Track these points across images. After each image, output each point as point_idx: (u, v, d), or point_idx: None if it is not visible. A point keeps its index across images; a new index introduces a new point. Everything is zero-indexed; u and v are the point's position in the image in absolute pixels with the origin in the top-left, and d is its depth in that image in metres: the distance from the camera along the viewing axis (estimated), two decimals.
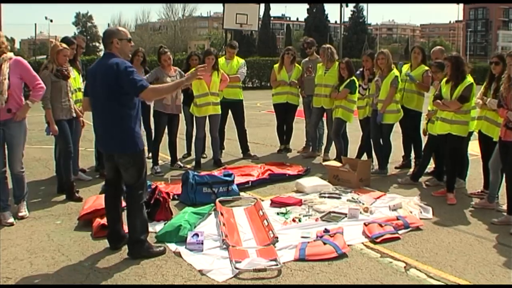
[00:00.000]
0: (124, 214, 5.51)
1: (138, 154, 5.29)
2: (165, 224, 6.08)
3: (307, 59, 10.97)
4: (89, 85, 5.51)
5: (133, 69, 5.13)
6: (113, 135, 5.20)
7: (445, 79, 7.61)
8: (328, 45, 10.40)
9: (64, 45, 7.44)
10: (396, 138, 9.42)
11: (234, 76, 10.23)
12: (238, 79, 10.40)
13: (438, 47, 9.69)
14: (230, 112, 10.48)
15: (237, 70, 10.34)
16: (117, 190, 5.50)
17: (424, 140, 8.52)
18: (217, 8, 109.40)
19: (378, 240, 5.78)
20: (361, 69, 9.54)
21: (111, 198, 5.49)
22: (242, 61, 10.62)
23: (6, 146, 6.50)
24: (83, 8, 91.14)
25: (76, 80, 8.05)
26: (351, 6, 72.37)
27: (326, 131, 10.62)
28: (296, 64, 10.84)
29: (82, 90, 8.36)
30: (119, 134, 5.18)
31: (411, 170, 9.03)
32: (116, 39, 5.25)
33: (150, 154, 9.45)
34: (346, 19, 76.96)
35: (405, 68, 9.21)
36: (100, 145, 5.51)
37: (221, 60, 10.39)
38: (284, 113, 10.88)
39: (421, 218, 6.59)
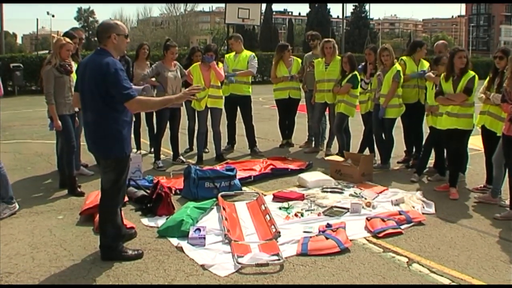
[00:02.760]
0: (124, 211, 5.46)
1: (122, 160, 5.04)
2: (167, 219, 6.08)
3: (310, 53, 10.94)
4: (78, 79, 5.22)
5: (122, 74, 4.85)
6: (98, 137, 4.98)
7: (443, 74, 7.56)
8: (330, 39, 10.37)
9: (68, 40, 7.43)
10: (398, 133, 9.39)
11: (247, 71, 10.24)
12: (251, 73, 10.43)
13: (442, 41, 9.65)
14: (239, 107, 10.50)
15: (247, 63, 10.25)
16: None
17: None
18: (219, 3, 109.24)
19: (381, 235, 5.77)
20: (363, 63, 9.51)
21: None
22: (250, 54, 10.51)
23: None
24: (84, 3, 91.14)
25: None
26: None
27: (328, 125, 10.59)
28: (295, 58, 10.83)
29: None
30: (104, 136, 4.94)
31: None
32: (114, 34, 4.96)
33: (153, 149, 9.49)
34: (348, 14, 76.93)
35: (410, 62, 9.11)
36: (88, 144, 5.18)
37: (230, 55, 10.42)
38: (287, 108, 10.85)
39: (423, 213, 6.57)
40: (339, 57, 10.03)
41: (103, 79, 4.78)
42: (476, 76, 7.30)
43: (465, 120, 7.33)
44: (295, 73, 10.57)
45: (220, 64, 9.41)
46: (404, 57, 9.23)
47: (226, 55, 10.57)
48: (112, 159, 5.01)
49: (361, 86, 9.35)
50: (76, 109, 7.59)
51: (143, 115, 9.83)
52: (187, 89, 5.53)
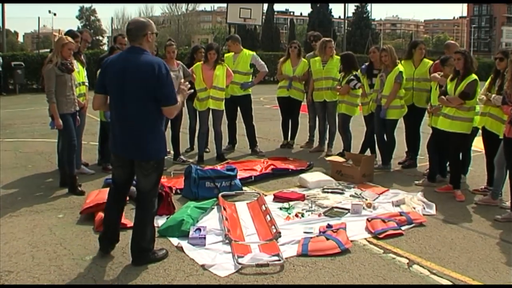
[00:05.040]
0: (125, 211, 5.41)
1: (163, 159, 5.08)
2: (167, 218, 6.07)
3: (311, 53, 10.91)
4: (110, 82, 4.90)
5: (171, 78, 4.88)
6: (147, 141, 4.83)
7: (450, 75, 7.55)
8: (328, 39, 10.37)
9: (70, 39, 7.42)
10: (400, 134, 9.38)
11: (261, 74, 10.41)
12: (265, 73, 10.59)
13: (453, 41, 9.62)
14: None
15: (249, 64, 10.23)
16: (125, 195, 5.27)
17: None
18: (221, 3, 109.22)
19: (381, 236, 5.76)
20: (366, 63, 9.49)
21: (119, 202, 5.23)
22: (251, 53, 10.46)
23: None
24: (86, 3, 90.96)
25: (80, 74, 8.05)
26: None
27: (328, 126, 10.56)
28: (303, 59, 10.77)
29: (86, 83, 8.35)
30: (153, 139, 4.85)
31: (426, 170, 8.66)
32: (149, 32, 4.87)
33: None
34: (350, 14, 76.83)
35: (406, 65, 9.05)
36: (123, 150, 4.97)
37: (228, 56, 10.34)
38: (288, 107, 10.83)
39: (424, 214, 6.57)
40: (338, 57, 10.06)
41: (156, 78, 4.71)
42: (477, 81, 7.28)
43: (460, 123, 7.31)
44: (299, 74, 10.52)
45: (225, 66, 9.36)
46: (403, 61, 9.18)
47: (225, 55, 10.49)
48: (156, 160, 4.95)
49: (354, 87, 9.34)
50: (78, 108, 7.60)
51: None
52: (181, 86, 5.35)
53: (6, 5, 30.06)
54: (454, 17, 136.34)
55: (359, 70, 9.45)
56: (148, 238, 5.04)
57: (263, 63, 10.50)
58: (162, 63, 4.85)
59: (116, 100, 4.89)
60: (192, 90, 8.93)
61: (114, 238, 5.23)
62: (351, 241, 5.57)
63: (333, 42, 10.24)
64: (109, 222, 5.23)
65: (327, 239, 5.51)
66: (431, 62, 8.83)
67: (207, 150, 10.15)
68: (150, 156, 4.90)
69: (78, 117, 7.71)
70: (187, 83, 5.66)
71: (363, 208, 6.68)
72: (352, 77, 9.38)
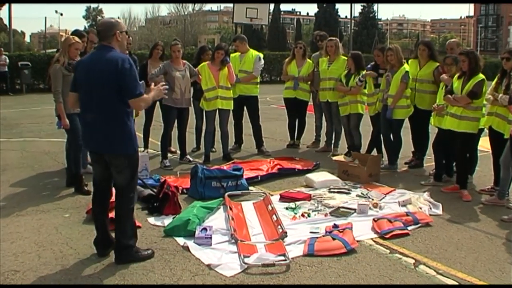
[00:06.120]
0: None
1: (134, 154, 5.03)
2: (173, 218, 6.07)
3: (317, 53, 10.90)
4: (80, 79, 5.03)
5: (136, 71, 4.90)
6: (111, 134, 4.88)
7: (457, 74, 7.54)
8: (333, 38, 10.36)
9: (77, 39, 7.45)
10: (406, 133, 9.35)
11: (250, 76, 10.15)
12: (254, 77, 10.27)
13: (453, 39, 9.54)
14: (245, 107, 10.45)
15: (253, 65, 10.18)
16: (107, 195, 5.24)
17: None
18: (227, 3, 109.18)
19: (387, 236, 5.74)
20: (372, 63, 9.47)
21: (101, 202, 5.20)
22: (257, 54, 10.41)
23: None
24: (93, 3, 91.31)
25: None
26: None
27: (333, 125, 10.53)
28: (308, 60, 10.75)
29: None
30: (118, 133, 4.88)
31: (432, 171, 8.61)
32: (118, 31, 4.93)
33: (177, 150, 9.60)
34: (357, 14, 76.77)
35: (412, 65, 9.01)
36: (93, 144, 5.08)
37: (235, 56, 10.32)
38: (294, 108, 10.81)
39: (430, 214, 6.55)
40: (344, 57, 10.03)
41: (118, 73, 4.75)
42: (485, 80, 7.25)
43: (467, 123, 7.29)
44: (304, 74, 10.49)
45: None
46: (410, 60, 9.15)
47: (231, 55, 10.45)
48: (126, 156, 4.96)
49: (357, 83, 9.33)
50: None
51: (155, 114, 9.78)
52: (159, 85, 5.40)
53: (13, 5, 30.18)
54: (461, 17, 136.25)
55: (365, 70, 9.43)
56: (128, 235, 5.05)
57: (259, 68, 10.35)
58: (127, 58, 4.88)
59: (84, 96, 5.00)
60: (206, 96, 9.01)
61: (105, 241, 5.21)
62: (357, 241, 5.56)
63: (335, 41, 10.16)
64: (96, 224, 5.22)
65: (333, 239, 5.50)
66: (437, 63, 8.73)
67: (214, 150, 10.15)
68: (115, 149, 4.94)
69: None
70: (164, 84, 5.61)
71: (370, 208, 6.66)
72: (360, 76, 9.36)
